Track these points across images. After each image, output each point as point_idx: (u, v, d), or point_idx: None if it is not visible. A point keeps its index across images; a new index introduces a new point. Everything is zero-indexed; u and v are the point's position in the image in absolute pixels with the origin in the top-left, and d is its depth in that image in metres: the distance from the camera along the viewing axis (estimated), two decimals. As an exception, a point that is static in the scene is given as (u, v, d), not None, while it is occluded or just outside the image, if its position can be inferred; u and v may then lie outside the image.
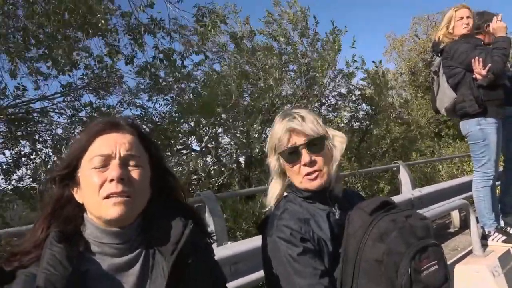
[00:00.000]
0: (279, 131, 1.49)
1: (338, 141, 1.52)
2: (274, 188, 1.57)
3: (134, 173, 1.06)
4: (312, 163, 1.45)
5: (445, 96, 3.85)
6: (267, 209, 1.57)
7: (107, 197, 1.01)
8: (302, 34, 9.88)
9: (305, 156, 1.44)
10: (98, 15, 5.38)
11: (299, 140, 1.46)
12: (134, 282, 1.05)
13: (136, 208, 1.07)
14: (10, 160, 6.26)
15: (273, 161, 1.55)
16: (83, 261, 1.01)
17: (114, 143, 1.06)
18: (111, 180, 1.01)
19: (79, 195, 1.08)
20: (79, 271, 0.98)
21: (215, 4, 7.25)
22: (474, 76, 3.53)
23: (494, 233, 3.66)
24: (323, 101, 10.67)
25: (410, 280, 1.22)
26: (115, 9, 6.02)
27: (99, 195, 1.02)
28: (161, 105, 8.05)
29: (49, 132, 6.42)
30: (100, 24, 5.33)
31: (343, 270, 1.35)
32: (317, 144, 1.46)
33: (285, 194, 1.57)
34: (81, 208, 1.09)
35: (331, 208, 1.50)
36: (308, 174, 1.46)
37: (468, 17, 3.69)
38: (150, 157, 1.14)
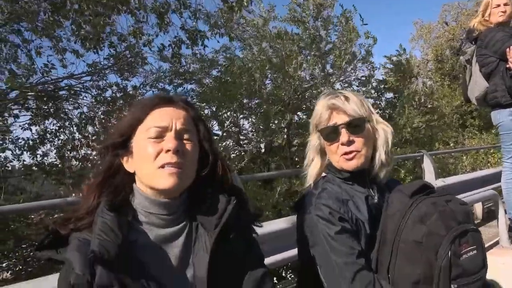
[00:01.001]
0: (320, 108, 1.50)
1: (382, 128, 1.52)
2: (314, 167, 1.57)
3: (187, 146, 1.10)
4: (350, 143, 1.45)
5: (477, 85, 3.77)
6: (305, 187, 1.58)
7: (162, 166, 1.05)
8: (323, 21, 9.78)
9: (344, 136, 1.44)
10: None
11: (339, 119, 1.46)
12: (178, 253, 1.09)
13: (187, 180, 1.10)
14: (36, 136, 6.46)
15: (314, 139, 1.55)
16: (131, 230, 1.05)
17: (170, 117, 1.10)
18: (167, 151, 1.05)
19: (130, 164, 1.12)
20: (128, 239, 1.02)
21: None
22: (508, 66, 3.44)
23: (521, 225, 3.61)
24: (345, 86, 10.59)
25: (449, 263, 1.23)
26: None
27: (153, 164, 1.05)
28: (184, 89, 8.08)
29: (75, 110, 6.58)
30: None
31: (380, 251, 1.36)
32: (357, 125, 1.45)
33: (324, 174, 1.58)
34: (130, 178, 1.13)
35: (369, 191, 1.50)
36: (345, 153, 1.46)
37: (505, 4, 3.57)
38: (198, 134, 1.17)
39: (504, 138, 3.64)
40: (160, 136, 1.08)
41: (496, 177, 4.83)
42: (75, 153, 6.46)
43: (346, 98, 1.48)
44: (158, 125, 1.08)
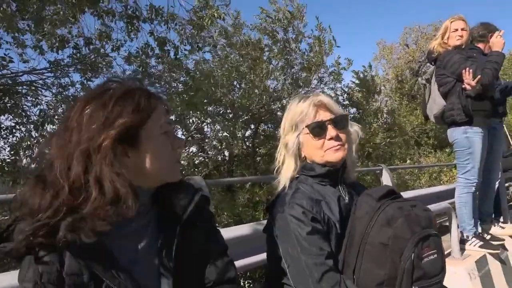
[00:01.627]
0: (304, 107, 1.54)
1: (354, 129, 1.61)
2: (287, 169, 1.59)
3: None
4: (337, 137, 1.51)
5: (435, 103, 3.96)
6: (279, 189, 1.60)
7: (177, 161, 1.13)
8: (295, 33, 9.97)
9: (332, 131, 1.50)
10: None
11: (325, 116, 1.52)
12: (145, 244, 1.10)
13: None
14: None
15: (291, 139, 1.57)
16: None
17: (167, 112, 1.14)
18: (179, 148, 1.13)
19: (133, 157, 1.05)
20: None
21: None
22: (463, 86, 3.65)
23: (472, 238, 3.80)
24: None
25: (412, 265, 1.29)
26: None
27: (172, 160, 1.11)
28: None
29: (33, 107, 6.31)
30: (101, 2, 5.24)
31: (347, 252, 1.41)
32: (342, 121, 1.53)
33: (297, 175, 1.60)
34: None
35: (340, 192, 1.55)
36: (332, 147, 1.51)
37: (463, 29, 3.79)
38: None
39: (459, 154, 3.83)
40: (167, 131, 1.10)
41: (449, 193, 5.07)
42: (30, 152, 6.18)
43: (329, 96, 1.57)
44: (169, 120, 1.11)
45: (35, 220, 0.93)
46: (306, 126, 1.53)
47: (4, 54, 5.53)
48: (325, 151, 1.51)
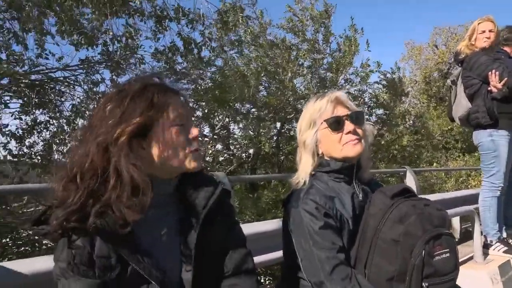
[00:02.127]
0: (322, 103, 1.59)
1: (369, 127, 1.65)
2: (305, 166, 1.63)
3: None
4: (354, 132, 1.55)
5: (461, 105, 3.92)
6: (296, 184, 1.64)
7: (191, 151, 1.17)
8: (323, 33, 9.92)
9: (349, 125, 1.54)
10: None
11: (343, 111, 1.57)
12: (168, 232, 1.19)
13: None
14: (25, 127, 6.41)
15: (309, 136, 1.61)
16: None
17: (186, 107, 1.22)
18: (194, 138, 1.18)
19: (147, 147, 1.14)
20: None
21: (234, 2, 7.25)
22: (489, 88, 3.59)
23: (496, 243, 3.73)
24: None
25: (422, 262, 1.33)
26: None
27: (184, 149, 1.16)
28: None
29: (66, 102, 6.57)
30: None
31: (360, 247, 1.45)
32: (359, 117, 1.58)
33: (313, 172, 1.64)
34: None
35: (355, 190, 1.59)
36: (350, 140, 1.54)
37: (490, 31, 3.72)
38: None
39: (484, 158, 3.77)
40: (182, 123, 1.17)
41: (476, 198, 4.98)
42: (62, 147, 6.44)
43: (346, 95, 1.62)
44: (182, 112, 1.18)
45: (66, 206, 1.03)
46: (325, 121, 1.57)
47: (42, 51, 5.79)
48: (343, 145, 1.55)
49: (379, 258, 1.39)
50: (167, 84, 1.22)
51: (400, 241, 1.35)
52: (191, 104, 1.33)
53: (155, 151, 1.13)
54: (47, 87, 6.16)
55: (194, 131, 1.18)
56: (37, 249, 4.66)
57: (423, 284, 1.34)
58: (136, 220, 1.08)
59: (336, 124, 1.55)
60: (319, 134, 1.59)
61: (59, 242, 1.07)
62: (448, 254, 1.40)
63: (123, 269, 1.06)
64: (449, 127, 13.80)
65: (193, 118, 1.23)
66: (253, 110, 9.49)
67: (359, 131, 1.57)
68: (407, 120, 12.19)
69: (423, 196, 5.97)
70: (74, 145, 1.15)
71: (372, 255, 1.40)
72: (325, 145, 1.60)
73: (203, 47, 7.19)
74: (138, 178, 1.06)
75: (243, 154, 9.32)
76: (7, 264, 1.78)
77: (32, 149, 6.44)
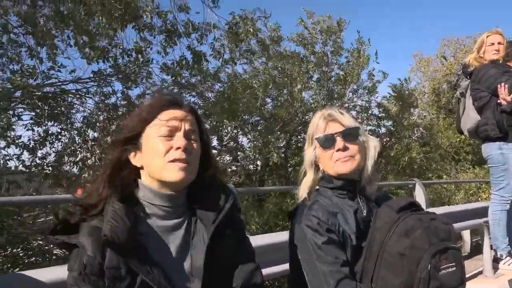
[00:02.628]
0: (317, 119, 1.64)
1: (372, 143, 1.64)
2: (307, 180, 1.68)
3: (194, 146, 1.24)
4: (345, 148, 1.56)
5: (469, 118, 3.91)
6: (299, 200, 1.68)
7: (172, 161, 1.17)
8: (333, 46, 10.00)
9: (339, 143, 1.56)
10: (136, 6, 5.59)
11: (335, 128, 1.59)
12: (178, 244, 1.21)
13: (192, 175, 1.23)
14: (37, 138, 6.53)
15: (309, 152, 1.67)
16: (137, 220, 1.16)
17: (180, 118, 1.22)
18: (177, 148, 1.18)
19: (138, 159, 1.23)
20: (135, 227, 1.13)
21: (245, 11, 7.34)
22: (499, 101, 3.59)
23: (506, 257, 3.69)
24: (345, 112, 10.78)
25: (428, 275, 1.33)
26: (156, 6, 6.23)
27: (164, 159, 1.17)
28: (187, 101, 8.17)
29: (78, 114, 6.69)
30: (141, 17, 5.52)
31: (366, 261, 1.46)
32: (352, 134, 1.59)
33: (317, 187, 1.68)
34: (135, 173, 1.24)
35: (359, 205, 1.60)
36: (340, 158, 1.56)
37: (499, 43, 3.73)
38: (200, 135, 1.30)
39: (493, 171, 3.75)
40: (170, 135, 1.20)
41: (487, 211, 4.93)
42: (73, 158, 6.55)
43: (341, 113, 1.63)
44: (169, 125, 1.20)
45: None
46: (316, 139, 1.62)
47: (54, 64, 5.92)
48: (335, 162, 1.58)
49: (385, 271, 1.40)
50: (165, 98, 1.27)
51: (406, 255, 1.36)
52: (195, 116, 1.36)
53: (144, 161, 1.22)
54: (59, 99, 6.28)
55: (180, 142, 1.18)
56: (47, 259, 4.71)
57: (429, 297, 1.35)
58: (144, 230, 1.14)
59: (326, 142, 1.58)
60: (317, 151, 1.64)
61: (73, 252, 1.11)
62: (454, 268, 1.40)
63: (133, 280, 1.08)
64: (458, 139, 13.70)
65: (191, 128, 1.24)
66: (261, 122, 9.54)
67: (353, 147, 1.57)
68: (415, 132, 12.15)
69: (432, 209, 5.94)
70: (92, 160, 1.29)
71: (379, 269, 1.41)
72: (321, 161, 1.64)
73: (212, 58, 7.25)
74: (138, 192, 1.21)
75: (251, 166, 9.34)
76: (18, 273, 1.82)
77: (44, 160, 6.56)
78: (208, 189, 1.29)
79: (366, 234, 1.54)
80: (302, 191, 1.68)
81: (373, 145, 1.63)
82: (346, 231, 1.53)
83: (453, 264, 1.40)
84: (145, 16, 5.93)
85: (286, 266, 2.71)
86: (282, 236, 2.94)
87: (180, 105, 1.26)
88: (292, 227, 1.62)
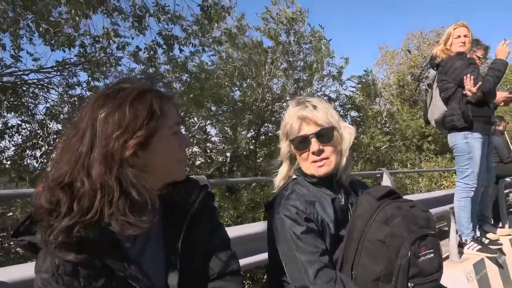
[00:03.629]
0: (291, 119, 1.57)
1: (347, 132, 1.60)
2: (283, 171, 1.67)
3: None
4: (320, 151, 1.53)
5: (436, 108, 4.01)
6: (275, 190, 1.67)
7: (181, 160, 1.16)
8: (297, 35, 10.09)
9: (314, 145, 1.53)
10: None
11: (309, 129, 1.54)
12: (152, 237, 1.16)
13: None
14: (-5, 130, 6.20)
15: (284, 147, 1.64)
16: None
17: (175, 109, 1.17)
18: (185, 146, 1.16)
19: (142, 157, 1.07)
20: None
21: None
22: (464, 92, 3.70)
23: (470, 241, 3.85)
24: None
25: (408, 262, 1.35)
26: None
27: (175, 159, 1.14)
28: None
29: (40, 105, 6.39)
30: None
31: (346, 248, 1.47)
32: (326, 134, 1.54)
33: (294, 176, 1.67)
34: None
35: (337, 194, 1.60)
36: (315, 161, 1.55)
37: (465, 36, 3.83)
38: None
39: (458, 159, 3.88)
40: (177, 131, 1.14)
41: (448, 199, 5.12)
42: (36, 151, 6.26)
43: (315, 107, 1.55)
44: (177, 120, 1.15)
45: (64, 217, 0.96)
46: (290, 141, 1.58)
47: (15, 52, 5.59)
48: (310, 164, 1.56)
49: (366, 258, 1.41)
50: (160, 90, 1.18)
51: (386, 242, 1.37)
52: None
53: (150, 159, 1.07)
54: (19, 89, 5.96)
55: (186, 140, 1.17)
56: (11, 257, 4.50)
57: (408, 284, 1.37)
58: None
59: (302, 144, 1.55)
60: (292, 148, 1.61)
61: (40, 252, 1.03)
62: (432, 255, 1.43)
63: (109, 278, 1.03)
64: (421, 129, 14.17)
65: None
66: (229, 110, 9.50)
67: (328, 148, 1.54)
68: (379, 121, 12.45)
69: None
70: (59, 152, 1.06)
71: (359, 256, 1.42)
72: (298, 159, 1.62)
73: (184, 44, 7.06)
74: (144, 194, 1.03)
75: (220, 158, 9.29)
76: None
77: (2, 154, 6.23)
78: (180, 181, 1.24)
79: (345, 223, 1.54)
80: (278, 181, 1.67)
81: (348, 133, 1.60)
82: (324, 219, 1.52)
83: (432, 250, 1.43)
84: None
85: (257, 258, 2.73)
86: (253, 228, 2.94)
87: (171, 97, 1.19)
88: (270, 217, 1.59)
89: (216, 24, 6.81)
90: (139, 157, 1.05)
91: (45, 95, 6.29)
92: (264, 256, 2.69)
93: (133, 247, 1.10)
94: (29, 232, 1.02)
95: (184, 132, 1.13)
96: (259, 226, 2.85)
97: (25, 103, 6.12)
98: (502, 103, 4.32)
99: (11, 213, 5.10)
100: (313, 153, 1.54)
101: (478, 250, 3.80)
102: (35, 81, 6.08)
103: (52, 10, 5.36)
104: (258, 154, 10.17)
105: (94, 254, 1.00)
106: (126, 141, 1.01)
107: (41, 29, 5.46)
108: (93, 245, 1.00)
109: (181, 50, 7.02)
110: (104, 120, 1.01)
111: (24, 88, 6.00)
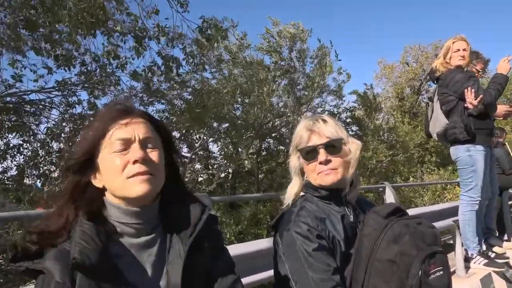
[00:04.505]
0: (301, 130, 1.61)
1: (354, 147, 1.61)
2: (292, 187, 1.66)
3: (153, 154, 1.12)
4: (327, 161, 1.55)
5: (438, 121, 4.01)
6: (284, 206, 1.65)
7: (132, 176, 1.07)
8: (299, 52, 10.18)
9: (322, 155, 1.55)
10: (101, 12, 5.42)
11: (318, 140, 1.57)
12: (152, 261, 1.12)
13: (158, 185, 1.13)
14: (-3, 151, 6.20)
15: (293, 160, 1.65)
16: (107, 240, 1.07)
17: (131, 128, 1.11)
18: (135, 162, 1.07)
19: (99, 179, 1.12)
20: (107, 247, 1.04)
21: (215, 19, 7.25)
22: (466, 105, 3.70)
23: (476, 256, 3.80)
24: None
25: (420, 281, 1.32)
26: (125, 8, 6.07)
27: (123, 176, 1.07)
28: (155, 110, 8.01)
29: (41, 125, 6.40)
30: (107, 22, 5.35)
31: (355, 269, 1.44)
32: (334, 145, 1.56)
33: (302, 193, 1.65)
34: (101, 191, 1.13)
35: (345, 211, 1.59)
36: (322, 171, 1.55)
37: (464, 50, 3.86)
38: (161, 139, 1.20)
39: (462, 172, 3.86)
40: (124, 148, 1.09)
41: (451, 211, 5.08)
42: (36, 171, 6.25)
43: (324, 121, 1.60)
44: (121, 137, 1.09)
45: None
46: (299, 150, 1.60)
47: (15, 73, 5.62)
48: (318, 175, 1.57)
49: (376, 278, 1.38)
50: (112, 109, 1.16)
51: (396, 262, 1.35)
52: (149, 121, 1.21)
53: (101, 182, 1.11)
54: (21, 110, 5.98)
55: (136, 154, 1.08)
56: (11, 278, 4.45)
57: (419, 303, 1.34)
58: (116, 250, 1.06)
59: (310, 154, 1.57)
60: (301, 160, 1.62)
61: (38, 279, 1.00)
62: (442, 272, 1.40)
63: None
64: (423, 141, 14.16)
65: (146, 136, 1.13)
66: (231, 128, 9.52)
67: (336, 159, 1.56)
68: (381, 135, 12.47)
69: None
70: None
71: (369, 276, 1.39)
72: (305, 171, 1.63)
73: (183, 63, 7.11)
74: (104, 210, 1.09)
75: (222, 174, 9.26)
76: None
77: (5, 174, 6.21)
78: (182, 200, 1.21)
79: (354, 240, 1.52)
80: (288, 197, 1.65)
81: (356, 148, 1.61)
82: (335, 236, 1.50)
83: (441, 268, 1.40)
84: (115, 15, 5.74)
85: (261, 276, 2.69)
86: (257, 245, 2.90)
87: (130, 112, 1.15)
88: (280, 234, 1.56)
89: (216, 44, 6.85)
90: (97, 178, 1.12)
91: (46, 115, 6.30)
92: (268, 273, 2.66)
93: (131, 272, 1.08)
94: (28, 257, 1.01)
95: (137, 147, 1.08)
96: (263, 243, 2.82)
97: (27, 123, 6.14)
98: (502, 117, 4.32)
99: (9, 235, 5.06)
100: (321, 163, 1.55)
101: (484, 265, 3.75)
102: (36, 101, 6.10)
103: (53, 30, 5.41)
104: (260, 170, 10.15)
105: (91, 280, 0.98)
106: (69, 166, 1.11)
107: (43, 49, 5.51)
108: (89, 271, 0.98)
109: (178, 74, 7.05)
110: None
111: (26, 108, 6.01)
